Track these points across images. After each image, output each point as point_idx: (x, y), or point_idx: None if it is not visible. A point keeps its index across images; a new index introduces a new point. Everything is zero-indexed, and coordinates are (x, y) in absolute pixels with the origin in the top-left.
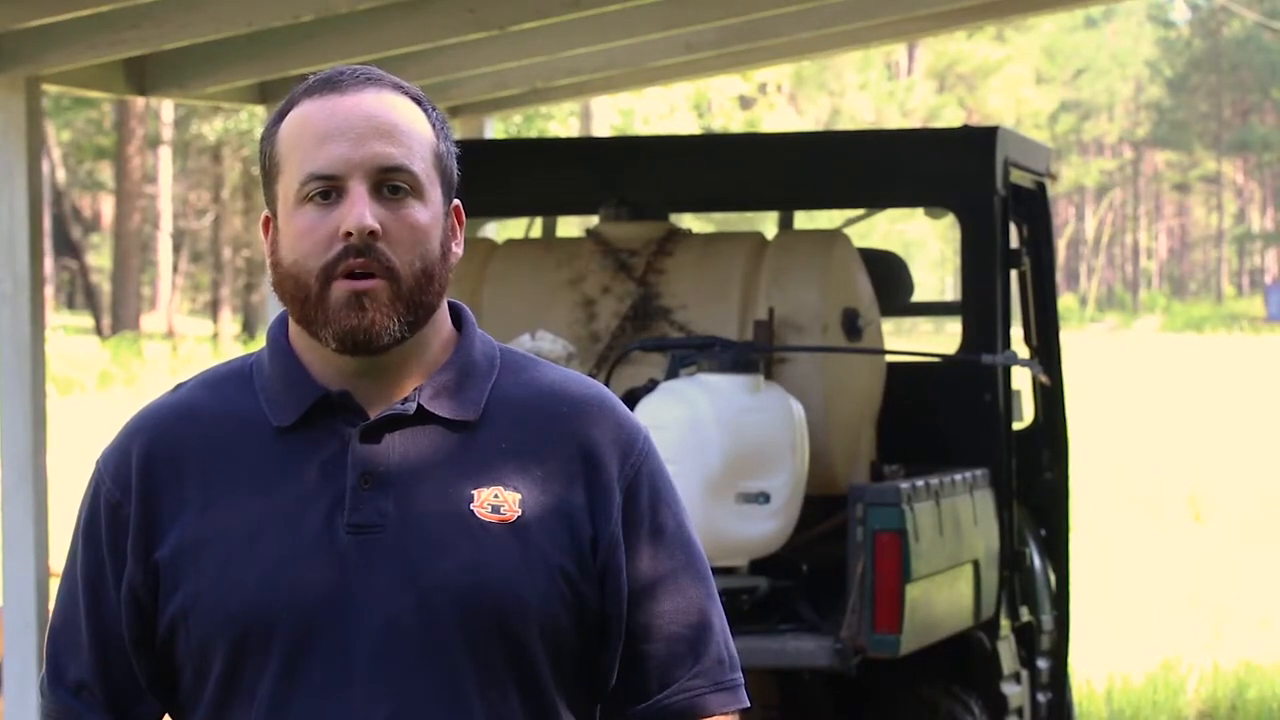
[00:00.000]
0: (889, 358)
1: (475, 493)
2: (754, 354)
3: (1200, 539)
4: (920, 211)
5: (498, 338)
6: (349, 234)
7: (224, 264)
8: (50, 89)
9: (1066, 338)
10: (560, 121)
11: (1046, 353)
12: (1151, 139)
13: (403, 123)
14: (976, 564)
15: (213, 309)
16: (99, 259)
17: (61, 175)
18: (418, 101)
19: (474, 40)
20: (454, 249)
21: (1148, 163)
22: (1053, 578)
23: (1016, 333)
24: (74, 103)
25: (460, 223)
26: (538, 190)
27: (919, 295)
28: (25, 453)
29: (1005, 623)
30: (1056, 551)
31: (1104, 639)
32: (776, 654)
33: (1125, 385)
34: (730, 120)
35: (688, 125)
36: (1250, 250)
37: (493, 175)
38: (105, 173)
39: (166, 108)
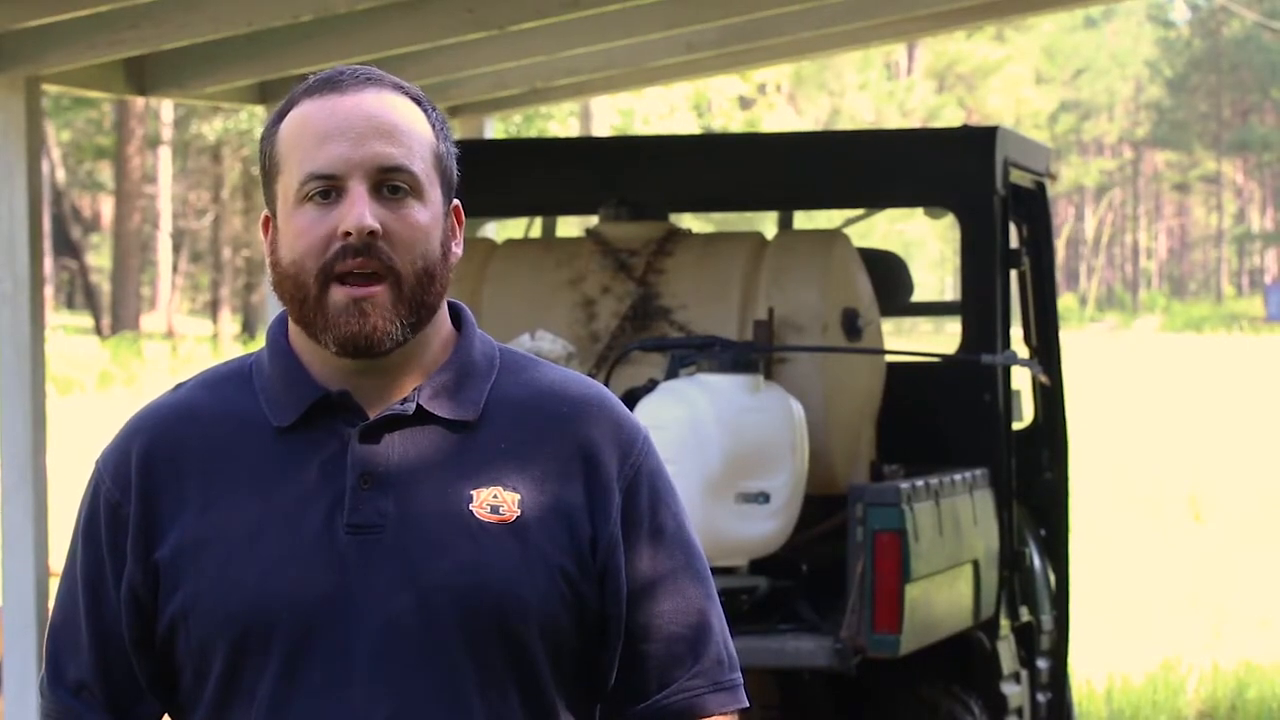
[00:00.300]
0: (889, 358)
1: (474, 493)
2: (754, 354)
3: (1200, 539)
4: (920, 211)
5: (498, 338)
6: (348, 233)
7: (224, 264)
8: (50, 89)
9: (1066, 338)
10: (560, 121)
11: (1046, 353)
12: (1151, 139)
13: (403, 123)
14: (976, 564)
15: (212, 309)
16: (99, 259)
17: (61, 175)
18: (417, 102)
19: (473, 40)
20: (454, 249)
21: (1147, 163)
22: (1052, 578)
23: (1016, 333)
24: (74, 103)
25: (460, 223)
26: (538, 190)
27: (919, 295)
28: (25, 453)
29: (1005, 623)
30: (1056, 551)
31: (1104, 639)
32: (776, 654)
33: (1125, 385)
34: (730, 120)
35: (688, 125)
36: (1250, 250)
37: (493, 175)
38: (105, 173)
39: (166, 108)
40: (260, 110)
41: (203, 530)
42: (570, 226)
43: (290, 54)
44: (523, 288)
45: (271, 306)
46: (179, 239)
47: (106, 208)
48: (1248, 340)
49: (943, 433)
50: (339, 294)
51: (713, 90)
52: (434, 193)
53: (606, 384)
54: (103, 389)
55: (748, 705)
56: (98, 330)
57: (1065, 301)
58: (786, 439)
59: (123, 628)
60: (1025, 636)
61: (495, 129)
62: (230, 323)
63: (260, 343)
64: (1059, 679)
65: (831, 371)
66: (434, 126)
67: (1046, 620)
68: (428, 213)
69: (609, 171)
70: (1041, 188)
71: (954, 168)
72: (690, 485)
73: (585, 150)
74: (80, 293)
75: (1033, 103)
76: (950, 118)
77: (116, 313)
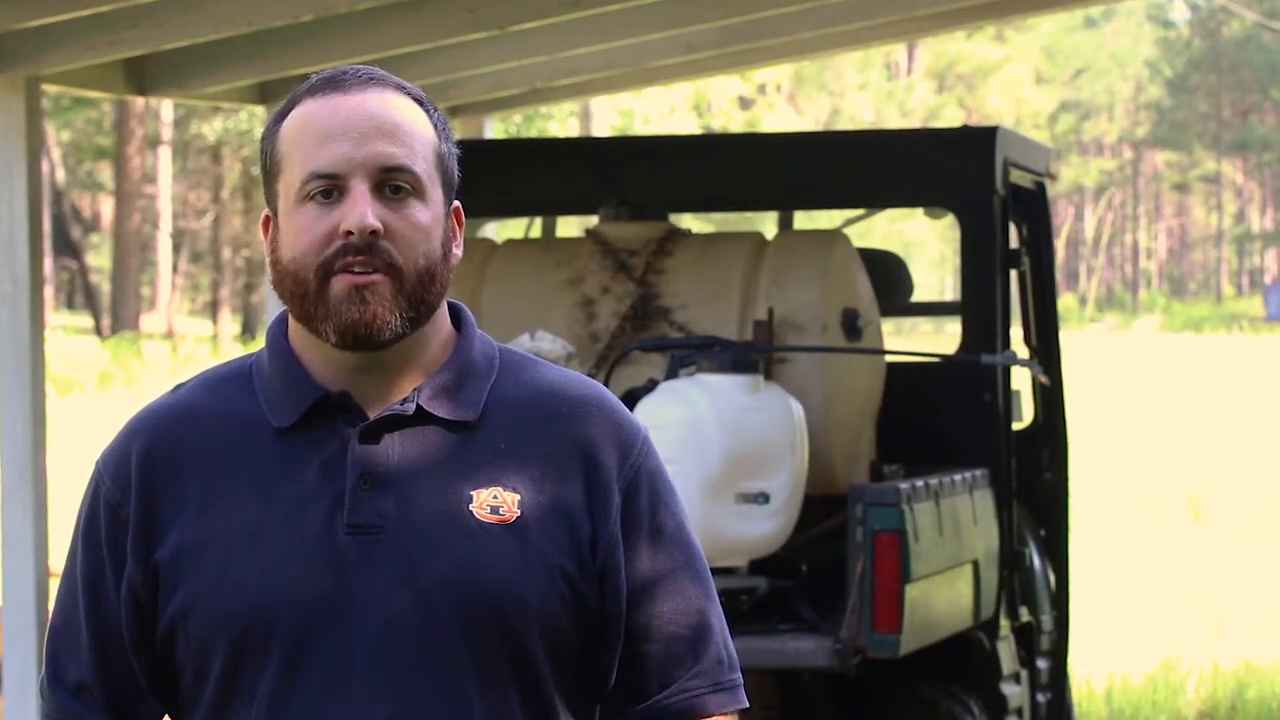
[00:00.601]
0: (889, 358)
1: (474, 493)
2: (754, 354)
3: (1200, 539)
4: (920, 211)
5: (498, 338)
6: (350, 233)
7: (224, 264)
8: (50, 89)
9: (1066, 338)
10: (560, 122)
11: (1046, 353)
12: (1151, 139)
13: (405, 123)
14: (976, 564)
15: (212, 309)
16: (99, 259)
17: (61, 175)
18: (419, 102)
19: (474, 40)
20: (455, 249)
21: (1147, 163)
22: (1052, 578)
23: (1016, 333)
24: (74, 103)
25: (460, 224)
26: (537, 190)
27: (919, 295)
28: (25, 453)
29: (1005, 623)
30: (1056, 552)
31: (1104, 639)
32: (776, 654)
33: (1125, 385)
34: (730, 120)
35: (688, 125)
36: (1250, 250)
37: (493, 175)
38: (105, 173)
39: (166, 108)
40: (260, 110)
41: (203, 531)
42: (570, 227)
43: (290, 54)
44: (522, 288)
45: (271, 306)
46: (179, 239)
47: (106, 208)
48: (1248, 340)
49: (943, 433)
50: (340, 282)
51: (713, 90)
52: (435, 193)
53: (606, 384)
54: (102, 389)
55: (748, 705)
56: (98, 330)
57: (1065, 302)
58: (786, 439)
59: (123, 628)
60: (1025, 637)
61: (495, 129)
62: (230, 323)
63: (260, 343)
64: (1059, 679)
65: (831, 372)
66: (436, 127)
67: (1046, 620)
68: (429, 213)
69: (609, 171)
70: (1041, 188)
71: (954, 168)
72: (690, 485)
73: (585, 150)
74: (80, 293)
75: (1033, 103)
76: (950, 118)
77: (116, 313)
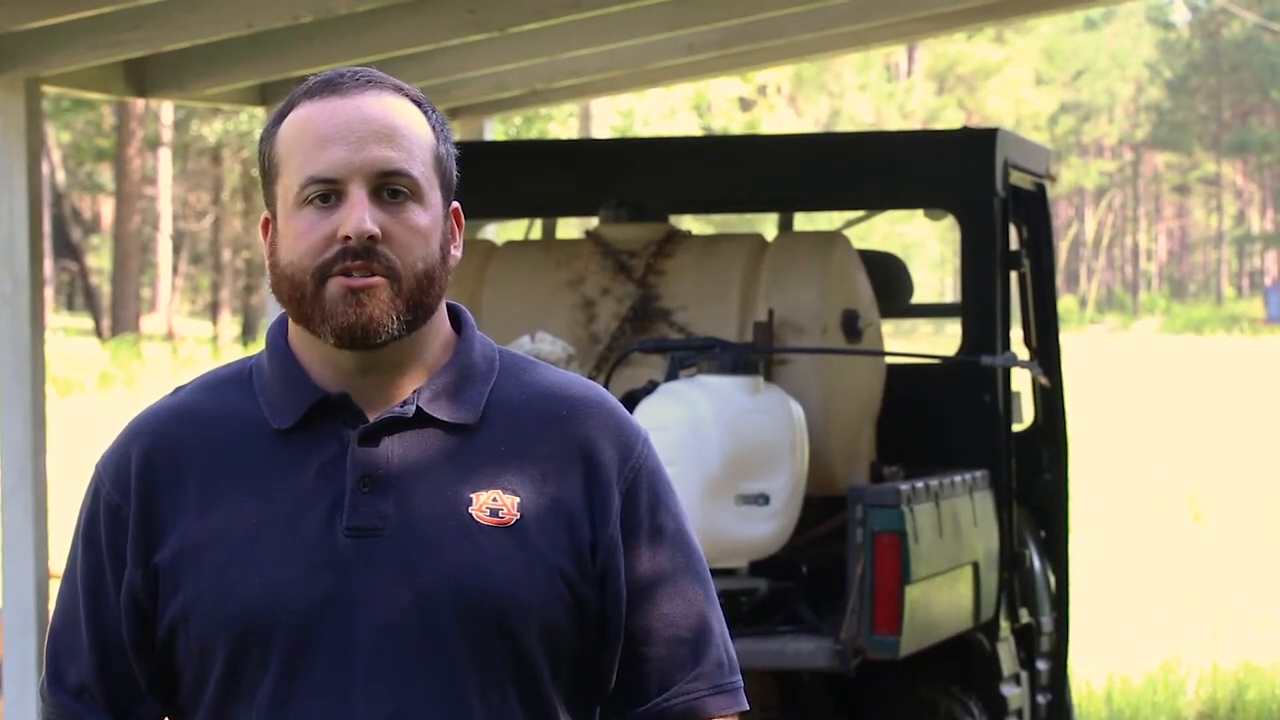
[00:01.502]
0: (889, 359)
1: (474, 496)
2: (753, 355)
3: (1200, 539)
4: (920, 213)
5: (497, 339)
6: (347, 238)
7: (224, 266)
8: (50, 90)
9: (1066, 339)
10: (560, 123)
11: (1046, 354)
12: (1151, 140)
13: (403, 126)
14: (976, 565)
15: (212, 311)
16: (99, 260)
17: (61, 177)
18: (418, 104)
19: (474, 42)
20: (453, 251)
21: (1147, 164)
22: (1052, 579)
23: (1016, 334)
24: (74, 104)
25: (459, 225)
26: (537, 191)
27: (919, 297)
28: (25, 454)
29: (1005, 624)
30: (1056, 553)
31: (1104, 639)
32: (776, 655)
33: (1125, 386)
34: (730, 122)
35: (688, 127)
36: (1250, 252)
37: (492, 176)
38: (105, 174)
39: (166, 109)
40: (260, 112)
41: (202, 533)
42: (570, 228)
43: (291, 55)
44: (522, 289)
45: (271, 308)
46: (179, 241)
47: (107, 209)
48: (1248, 342)
49: (943, 434)
50: (336, 284)
51: (713, 92)
52: (434, 195)
53: (606, 385)
54: (103, 390)
55: (748, 707)
56: (98, 332)
57: (1065, 303)
58: (786, 440)
59: (123, 630)
60: (1025, 638)
61: (495, 131)
62: (230, 324)
63: (260, 345)
64: (1059, 680)
65: (831, 373)
66: (434, 128)
67: (1046, 622)
68: (427, 216)
69: (609, 173)
70: (1041, 189)
71: (954, 169)
72: (690, 487)
73: (585, 151)
74: (80, 294)
75: (1033, 104)
76: (950, 119)
77: (116, 314)
